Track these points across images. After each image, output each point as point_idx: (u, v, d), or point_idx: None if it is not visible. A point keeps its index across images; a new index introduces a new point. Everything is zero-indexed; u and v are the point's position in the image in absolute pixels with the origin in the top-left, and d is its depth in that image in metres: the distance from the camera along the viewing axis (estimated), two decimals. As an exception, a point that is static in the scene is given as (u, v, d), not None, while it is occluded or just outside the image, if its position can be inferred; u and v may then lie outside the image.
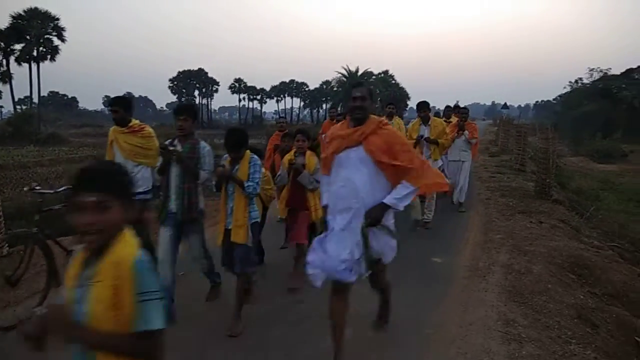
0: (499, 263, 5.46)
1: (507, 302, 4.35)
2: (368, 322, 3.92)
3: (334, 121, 8.32)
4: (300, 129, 5.01)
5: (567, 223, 7.77)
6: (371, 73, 55.56)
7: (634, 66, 37.98)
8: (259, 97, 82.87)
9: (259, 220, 3.95)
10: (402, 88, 60.88)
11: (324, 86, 73.67)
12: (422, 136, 6.66)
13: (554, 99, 70.98)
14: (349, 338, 3.75)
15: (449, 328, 3.87)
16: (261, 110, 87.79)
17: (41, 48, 41.84)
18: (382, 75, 59.50)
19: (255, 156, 3.85)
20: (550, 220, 7.64)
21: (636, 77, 36.75)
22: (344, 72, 53.65)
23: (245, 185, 3.67)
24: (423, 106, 6.91)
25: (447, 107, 9.65)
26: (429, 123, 6.76)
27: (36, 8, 41.51)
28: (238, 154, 3.78)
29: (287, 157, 4.81)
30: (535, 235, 6.65)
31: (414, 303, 4.37)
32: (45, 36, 41.95)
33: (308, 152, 4.76)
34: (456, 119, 8.56)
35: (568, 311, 4.26)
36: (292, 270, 4.74)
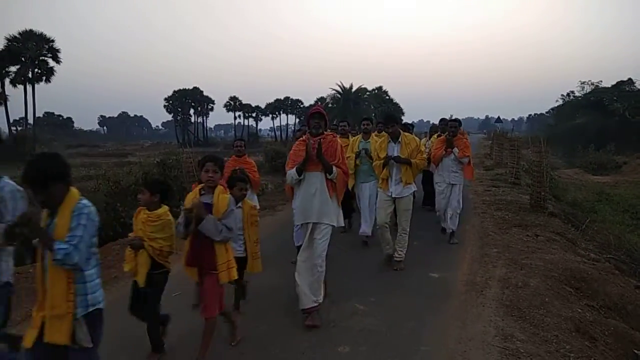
0: (496, 277, 5.45)
1: (504, 317, 4.35)
2: (365, 337, 3.92)
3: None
4: (210, 156, 3.62)
5: (563, 236, 7.79)
6: (365, 89, 55.87)
7: (624, 78, 38.52)
8: (254, 114, 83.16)
9: (100, 306, 2.54)
10: (396, 103, 61.30)
11: (319, 102, 73.98)
12: (391, 156, 5.69)
13: (547, 112, 71.54)
14: (346, 352, 3.76)
15: (447, 344, 3.86)
16: (257, 127, 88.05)
17: (36, 70, 42.03)
18: (376, 91, 59.88)
19: (85, 201, 2.47)
20: (546, 233, 7.66)
21: (627, 89, 37.20)
22: (338, 88, 53.94)
23: (56, 248, 2.31)
24: (390, 120, 5.85)
25: (442, 120, 8.79)
26: (399, 140, 5.74)
27: (31, 30, 41.83)
28: (47, 197, 2.39)
29: (191, 195, 3.52)
30: (531, 248, 6.66)
31: (412, 319, 4.37)
32: (41, 58, 42.16)
33: (219, 188, 3.47)
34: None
35: (566, 325, 4.25)
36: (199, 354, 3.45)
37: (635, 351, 4.17)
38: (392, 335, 4.05)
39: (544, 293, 4.91)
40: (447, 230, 7.32)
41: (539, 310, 4.49)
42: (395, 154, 5.68)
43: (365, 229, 7.02)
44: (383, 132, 6.43)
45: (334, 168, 4.32)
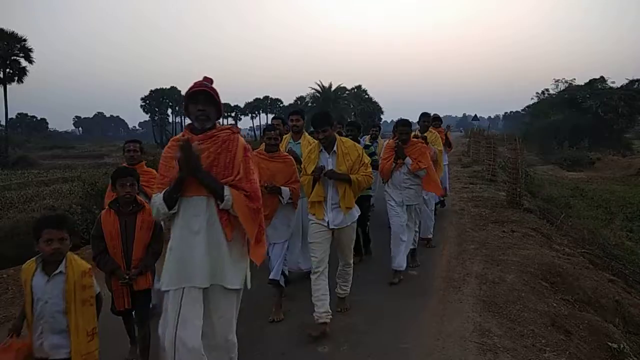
0: (474, 273, 5.52)
1: (482, 313, 4.40)
2: (345, 336, 3.92)
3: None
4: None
5: (538, 231, 7.91)
6: (344, 88, 55.94)
7: (597, 76, 39.30)
8: (233, 114, 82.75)
9: None
10: (375, 102, 61.53)
11: (299, 102, 73.86)
12: (322, 168, 4.01)
13: (522, 110, 72.50)
14: (326, 352, 3.76)
15: (426, 340, 3.88)
16: (236, 125, 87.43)
17: (8, 70, 40.98)
18: (355, 90, 60.02)
19: None
20: (522, 229, 7.77)
21: (599, 86, 37.92)
22: (318, 87, 53.92)
23: None
24: (322, 121, 4.04)
25: (423, 115, 7.03)
26: (335, 148, 4.08)
27: (2, 29, 40.73)
28: None
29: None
30: (507, 244, 6.75)
31: (391, 316, 4.40)
32: (12, 57, 41.11)
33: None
34: (435, 132, 7.41)
35: (542, 319, 4.32)
36: None
37: (609, 343, 4.26)
38: (372, 333, 4.07)
39: (520, 288, 4.99)
40: (396, 267, 5.40)
41: (515, 305, 4.56)
42: (329, 168, 4.04)
43: (301, 265, 5.23)
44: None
45: (227, 190, 2.63)
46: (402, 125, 5.49)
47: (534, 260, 5.93)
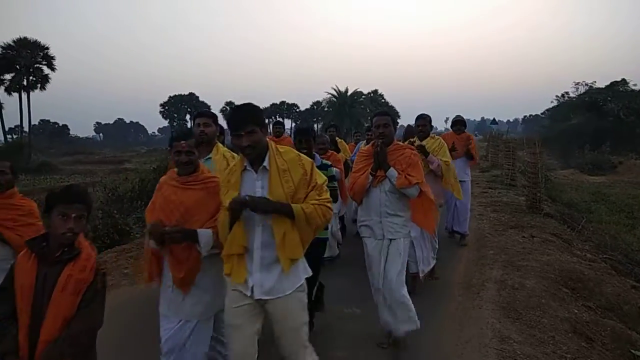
0: (493, 279, 5.47)
1: (501, 319, 4.36)
2: (364, 341, 3.92)
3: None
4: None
5: (559, 237, 7.82)
6: (361, 93, 56.09)
7: (618, 79, 38.64)
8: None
9: None
10: (392, 106, 61.50)
11: (315, 107, 74.27)
12: (244, 200, 2.47)
13: (542, 113, 71.80)
14: (344, 356, 3.76)
15: (444, 347, 3.87)
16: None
17: (31, 77, 41.94)
18: (372, 94, 60.10)
19: None
20: (542, 234, 7.68)
21: (620, 89, 37.29)
22: (334, 92, 54.10)
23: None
24: (243, 119, 2.50)
25: (420, 117, 5.68)
26: (266, 163, 2.56)
27: (25, 38, 41.73)
28: None
29: None
30: (527, 249, 6.68)
31: (409, 323, 4.38)
32: (35, 65, 42.07)
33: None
34: (440, 139, 5.66)
35: (562, 326, 4.27)
36: None
37: (632, 351, 4.19)
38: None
39: (540, 294, 4.93)
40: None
41: (535, 311, 4.51)
42: (259, 195, 2.54)
43: None
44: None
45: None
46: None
47: (554, 266, 5.86)
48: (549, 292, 5.04)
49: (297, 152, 2.72)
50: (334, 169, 4.36)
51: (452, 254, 6.74)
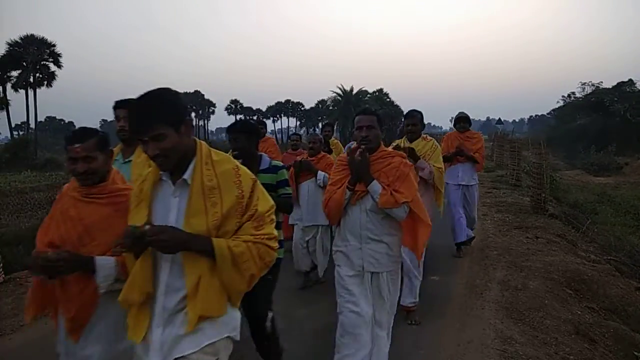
0: (496, 280, 5.46)
1: (504, 319, 4.35)
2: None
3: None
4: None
5: (563, 237, 7.79)
6: (366, 92, 55.95)
7: (625, 79, 38.41)
8: (255, 117, 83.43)
9: None
10: (396, 106, 61.29)
11: (320, 105, 74.29)
12: (139, 230, 1.69)
13: (547, 114, 71.53)
14: None
15: (446, 347, 3.86)
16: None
17: (38, 74, 42.13)
18: (377, 93, 59.92)
19: None
20: (546, 235, 7.65)
21: (627, 89, 37.07)
22: (339, 91, 54.06)
23: None
24: (144, 114, 1.72)
25: (409, 114, 4.83)
26: (187, 175, 1.81)
27: (32, 35, 41.93)
28: None
29: None
30: (531, 250, 6.66)
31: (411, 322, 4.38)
32: (42, 62, 42.27)
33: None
34: (432, 140, 4.67)
35: (565, 327, 4.25)
36: None
37: (636, 353, 4.17)
38: (391, 338, 4.05)
39: (543, 295, 4.92)
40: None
41: (538, 312, 4.50)
42: (173, 224, 1.79)
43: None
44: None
45: None
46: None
47: (558, 267, 5.84)
48: (552, 293, 5.02)
49: (237, 162, 1.91)
50: (286, 171, 3.44)
51: (455, 253, 6.73)
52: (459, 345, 3.87)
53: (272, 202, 1.93)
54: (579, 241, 8.10)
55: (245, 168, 1.91)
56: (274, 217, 1.92)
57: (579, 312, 4.69)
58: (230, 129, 3.28)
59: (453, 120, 6.63)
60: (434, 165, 4.37)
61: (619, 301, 5.29)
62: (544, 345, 3.89)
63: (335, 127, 24.11)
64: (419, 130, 4.62)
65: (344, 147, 7.49)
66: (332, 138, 7.36)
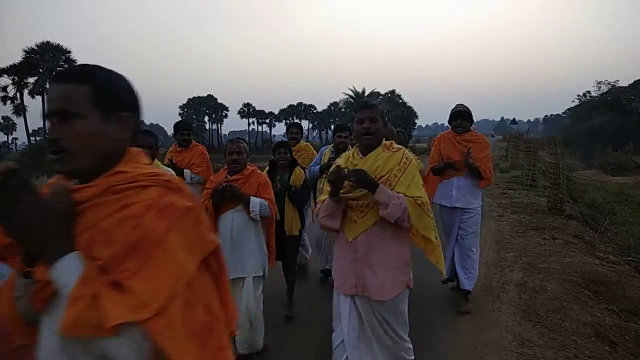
0: (513, 282, 5.39)
1: (521, 322, 4.29)
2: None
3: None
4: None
5: (581, 238, 7.67)
6: (378, 93, 55.81)
7: (642, 77, 37.91)
8: (267, 120, 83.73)
9: None
10: (409, 107, 61.09)
11: (332, 107, 74.35)
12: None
13: (563, 113, 70.66)
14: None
15: (463, 350, 3.82)
16: (270, 133, 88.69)
17: (54, 80, 42.77)
18: (389, 95, 59.78)
19: None
20: (563, 236, 7.56)
21: (645, 87, 36.59)
22: (351, 93, 54.02)
23: None
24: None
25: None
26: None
27: (48, 42, 42.65)
28: None
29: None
30: (549, 251, 6.57)
31: (427, 324, 4.32)
32: (58, 69, 42.90)
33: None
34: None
35: (585, 329, 4.18)
36: None
37: (657, 356, 4.08)
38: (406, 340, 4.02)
39: (561, 297, 4.84)
40: None
41: (556, 314, 4.43)
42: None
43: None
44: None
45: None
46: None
47: (576, 268, 5.75)
48: (570, 295, 4.95)
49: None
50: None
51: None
52: (475, 349, 3.82)
53: None
54: (597, 242, 7.98)
55: None
56: None
57: (599, 314, 4.61)
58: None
59: (448, 116, 4.78)
60: (408, 196, 2.52)
61: (640, 303, 5.19)
62: (562, 348, 3.82)
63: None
64: (379, 133, 2.69)
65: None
66: (301, 141, 5.93)
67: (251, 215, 3.37)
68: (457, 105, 4.77)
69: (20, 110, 42.27)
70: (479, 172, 4.52)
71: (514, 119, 45.94)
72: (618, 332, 4.30)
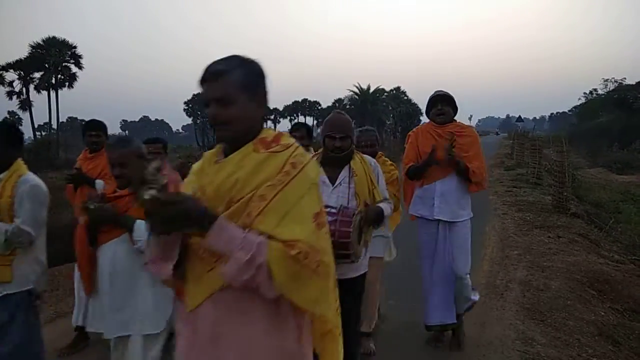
0: (517, 280, 5.39)
1: (525, 320, 4.29)
2: (383, 341, 3.91)
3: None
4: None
5: (586, 237, 7.66)
6: (383, 90, 55.72)
7: (649, 75, 37.70)
8: (272, 116, 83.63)
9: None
10: (414, 104, 60.94)
11: (337, 104, 74.16)
12: None
13: (569, 111, 70.47)
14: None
15: (466, 348, 3.81)
16: (275, 129, 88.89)
17: (59, 76, 42.87)
18: (394, 91, 59.65)
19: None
20: (568, 234, 7.54)
21: (652, 86, 36.38)
22: (356, 89, 53.91)
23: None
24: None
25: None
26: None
27: (54, 37, 42.63)
28: None
29: None
30: (553, 250, 6.56)
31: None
32: (63, 64, 42.98)
33: None
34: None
35: (588, 328, 4.18)
36: None
37: (661, 355, 4.07)
38: (409, 338, 4.03)
39: (565, 296, 4.84)
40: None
41: (560, 313, 4.42)
42: None
43: None
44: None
45: None
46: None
47: (580, 267, 5.74)
48: (574, 294, 4.94)
49: None
50: None
51: (475, 253, 6.65)
52: (479, 346, 3.82)
53: None
54: (602, 241, 7.96)
55: None
56: None
57: (603, 313, 4.60)
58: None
59: (426, 104, 3.79)
60: (269, 240, 1.39)
61: (644, 302, 5.18)
62: (566, 346, 3.82)
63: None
64: (240, 118, 1.52)
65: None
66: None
67: (135, 245, 2.27)
68: (437, 91, 3.75)
69: (26, 105, 42.36)
70: (467, 171, 3.43)
71: (519, 116, 45.76)
72: (622, 331, 4.30)
